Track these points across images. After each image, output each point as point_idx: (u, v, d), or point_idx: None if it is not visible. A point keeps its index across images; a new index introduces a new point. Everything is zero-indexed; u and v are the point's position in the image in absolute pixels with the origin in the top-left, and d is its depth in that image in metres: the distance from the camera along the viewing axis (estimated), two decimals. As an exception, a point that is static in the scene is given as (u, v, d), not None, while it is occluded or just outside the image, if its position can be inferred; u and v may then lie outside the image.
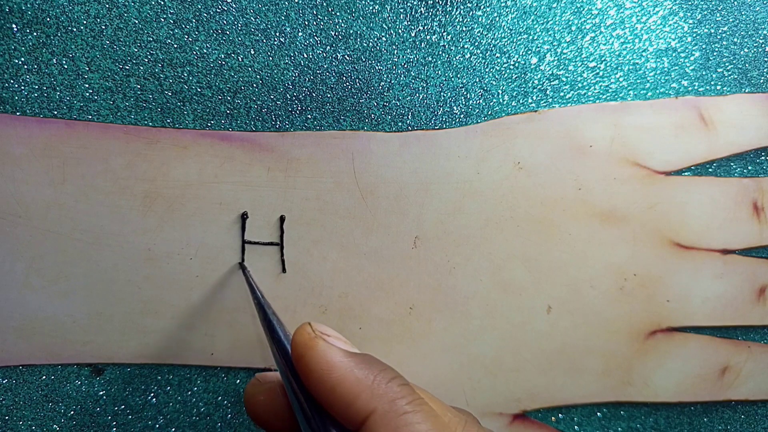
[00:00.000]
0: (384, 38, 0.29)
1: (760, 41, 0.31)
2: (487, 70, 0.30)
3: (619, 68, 0.30)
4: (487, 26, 0.30)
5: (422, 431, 0.19)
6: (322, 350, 0.20)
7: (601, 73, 0.30)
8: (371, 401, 0.19)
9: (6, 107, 0.27)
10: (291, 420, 0.22)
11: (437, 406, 0.21)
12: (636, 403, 0.30)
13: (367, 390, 0.19)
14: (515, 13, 0.30)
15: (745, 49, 0.31)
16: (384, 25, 0.29)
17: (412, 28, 0.29)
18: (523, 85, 0.30)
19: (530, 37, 0.30)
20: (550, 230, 0.29)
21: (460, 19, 0.30)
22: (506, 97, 0.30)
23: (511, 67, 0.30)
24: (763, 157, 0.30)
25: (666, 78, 0.30)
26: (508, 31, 0.30)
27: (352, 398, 0.19)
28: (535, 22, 0.30)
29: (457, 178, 0.29)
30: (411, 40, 0.29)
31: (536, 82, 0.30)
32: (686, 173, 0.30)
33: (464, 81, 0.30)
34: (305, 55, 0.29)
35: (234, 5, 0.29)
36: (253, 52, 0.29)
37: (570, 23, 0.30)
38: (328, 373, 0.20)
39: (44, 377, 0.28)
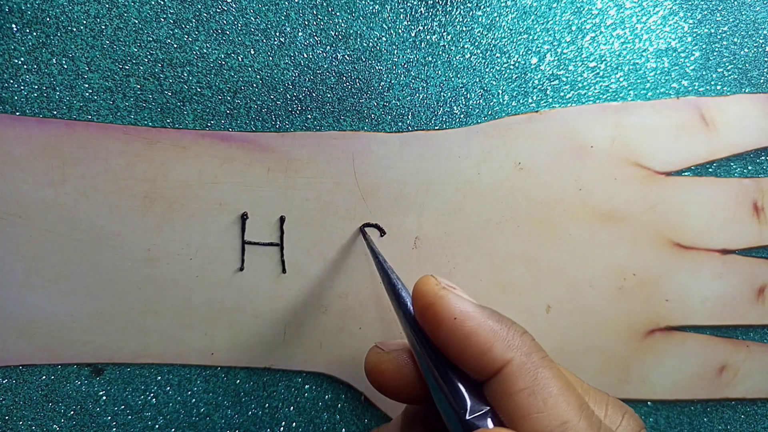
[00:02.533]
0: (384, 38, 0.29)
1: (760, 41, 0.31)
2: (487, 70, 0.30)
3: (619, 68, 0.30)
4: (487, 26, 0.30)
5: (555, 387, 0.18)
6: (453, 299, 0.20)
7: (601, 73, 0.30)
8: (507, 351, 0.19)
9: (6, 107, 0.27)
10: (418, 385, 0.22)
11: (567, 374, 0.21)
12: (636, 403, 0.30)
13: (502, 340, 0.19)
14: (515, 13, 0.30)
15: (745, 49, 0.31)
16: (384, 25, 0.29)
17: (412, 28, 0.29)
18: (523, 85, 0.30)
19: (530, 37, 0.30)
20: (551, 230, 0.29)
21: (460, 19, 0.30)
22: (506, 97, 0.30)
23: (511, 67, 0.30)
24: (763, 157, 0.30)
25: (666, 78, 0.30)
26: (508, 31, 0.30)
27: (488, 347, 0.19)
28: (535, 22, 0.30)
29: (458, 178, 0.29)
30: (411, 40, 0.29)
31: (536, 82, 0.30)
32: (686, 173, 0.30)
33: (464, 81, 0.30)
34: (305, 55, 0.29)
35: (234, 5, 0.28)
36: (253, 52, 0.29)
37: (570, 23, 0.30)
38: (462, 321, 0.19)
39: (44, 377, 0.28)
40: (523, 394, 0.18)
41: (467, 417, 0.19)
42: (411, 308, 0.22)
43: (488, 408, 0.19)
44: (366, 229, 0.29)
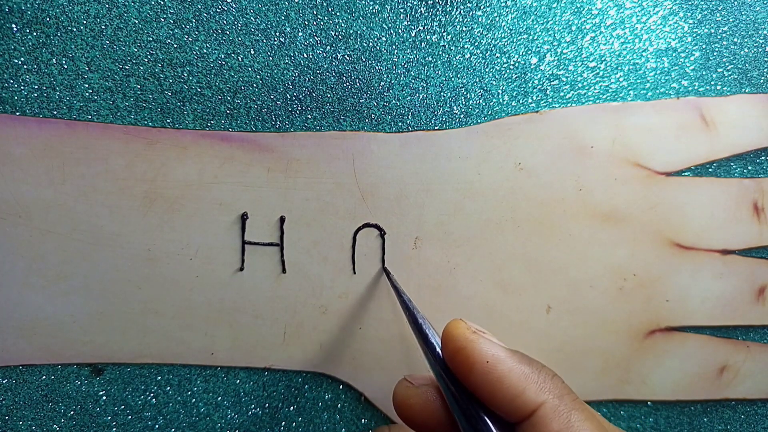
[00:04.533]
0: (384, 38, 0.29)
1: (760, 41, 0.31)
2: (487, 70, 0.30)
3: (619, 68, 0.30)
4: (487, 26, 0.30)
5: (588, 429, 0.19)
6: (485, 344, 0.21)
7: (601, 73, 0.30)
8: (540, 394, 0.19)
9: (6, 107, 0.27)
10: (446, 421, 0.22)
11: (598, 416, 0.21)
12: (636, 403, 0.30)
13: (534, 383, 0.20)
14: (515, 13, 0.30)
15: (745, 49, 0.31)
16: (384, 25, 0.29)
17: (412, 28, 0.29)
18: (523, 85, 0.30)
19: (530, 37, 0.30)
20: (551, 231, 0.29)
21: (460, 19, 0.30)
22: (506, 97, 0.30)
23: (511, 67, 0.30)
24: (763, 158, 0.30)
25: (666, 78, 0.30)
26: (508, 31, 0.30)
27: (520, 390, 0.19)
28: (535, 22, 0.30)
29: (458, 178, 0.29)
30: (411, 40, 0.29)
31: (536, 82, 0.30)
32: (686, 173, 0.30)
33: (464, 81, 0.30)
34: (305, 55, 0.29)
35: (234, 5, 0.28)
36: (253, 52, 0.29)
37: (570, 23, 0.30)
38: (494, 365, 0.20)
39: (44, 377, 0.28)
40: None
41: None
42: (438, 349, 0.22)
43: None
44: (366, 229, 0.29)
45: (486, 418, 0.20)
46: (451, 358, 0.21)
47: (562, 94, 0.30)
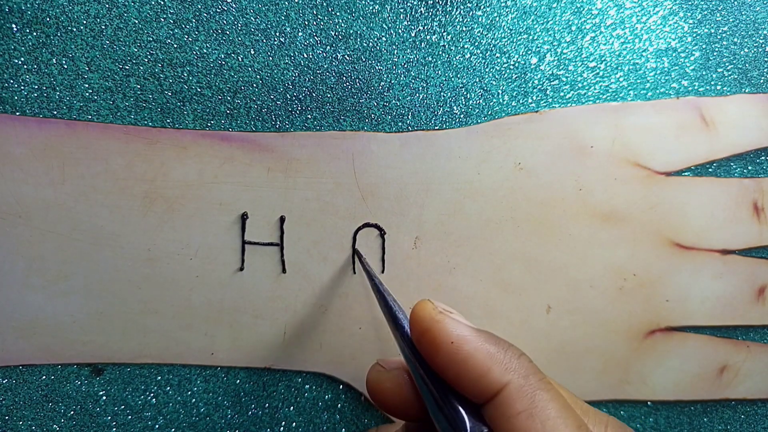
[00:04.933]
0: (384, 38, 0.29)
1: (760, 41, 0.31)
2: (487, 70, 0.30)
3: (619, 68, 0.30)
4: (487, 26, 0.30)
5: (553, 409, 0.19)
6: (450, 324, 0.20)
7: (601, 73, 0.30)
8: (505, 374, 0.19)
9: (6, 107, 0.27)
10: (418, 404, 0.22)
11: (566, 394, 0.21)
12: (636, 403, 0.30)
13: (499, 363, 0.19)
14: (515, 13, 0.30)
15: (745, 49, 0.31)
16: (384, 25, 0.29)
17: (412, 28, 0.29)
18: (523, 85, 0.30)
19: (530, 37, 0.30)
20: (551, 231, 0.29)
21: (460, 19, 0.30)
22: (506, 97, 0.30)
23: (511, 67, 0.30)
24: (763, 158, 0.30)
25: (666, 78, 0.30)
26: (508, 31, 0.30)
27: (485, 370, 0.19)
28: (535, 22, 0.30)
29: (458, 178, 0.29)
30: (411, 40, 0.29)
31: (536, 82, 0.30)
32: (686, 173, 0.30)
33: (464, 81, 0.30)
34: (305, 55, 0.29)
35: (234, 5, 0.28)
36: (253, 52, 0.29)
37: (570, 23, 0.30)
38: (459, 345, 0.20)
39: (44, 377, 0.28)
40: (521, 416, 0.18)
41: None
42: (408, 332, 0.22)
43: (486, 429, 0.19)
44: (366, 229, 0.29)
45: (453, 400, 0.20)
46: (418, 339, 0.21)
47: (562, 94, 0.30)
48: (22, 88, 0.28)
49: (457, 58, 0.30)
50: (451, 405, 0.20)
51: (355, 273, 0.29)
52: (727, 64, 0.30)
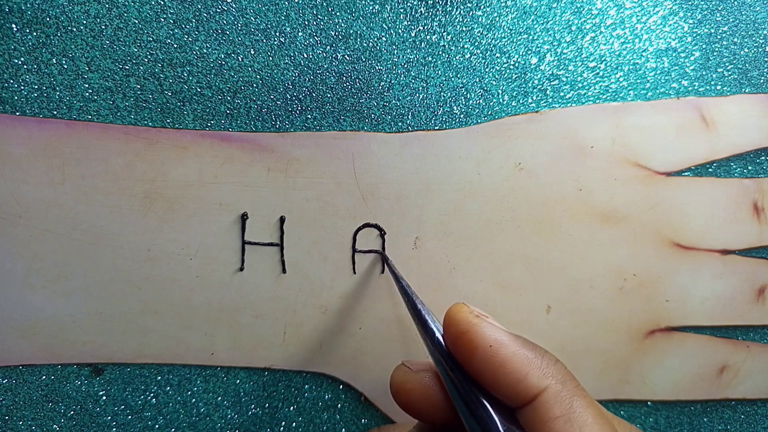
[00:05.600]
0: (384, 38, 0.29)
1: (760, 41, 0.31)
2: (487, 70, 0.30)
3: (619, 68, 0.30)
4: (487, 26, 0.30)
5: (590, 415, 0.19)
6: (488, 328, 0.21)
7: (601, 73, 0.30)
8: (543, 379, 0.19)
9: (6, 107, 0.27)
10: (445, 407, 0.22)
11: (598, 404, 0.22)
12: (636, 403, 0.30)
13: (537, 368, 0.20)
14: (515, 13, 0.30)
15: (745, 49, 0.31)
16: (384, 25, 0.29)
17: (412, 28, 0.29)
18: (523, 85, 0.30)
19: (530, 37, 0.30)
20: (551, 231, 0.29)
21: (460, 19, 0.30)
22: (506, 97, 0.30)
23: (511, 67, 0.30)
24: (763, 158, 0.30)
25: (666, 78, 0.30)
26: (508, 31, 0.30)
27: (523, 375, 0.19)
28: (535, 22, 0.30)
29: (458, 178, 0.29)
30: (411, 40, 0.29)
31: (536, 82, 0.30)
32: (686, 173, 0.30)
33: (464, 81, 0.30)
34: (305, 55, 0.29)
35: (234, 5, 0.28)
36: (253, 52, 0.29)
37: (570, 23, 0.30)
38: (497, 349, 0.20)
39: (44, 377, 0.28)
40: (559, 421, 0.19)
41: None
42: (438, 334, 0.22)
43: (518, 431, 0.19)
44: (366, 229, 0.29)
45: (486, 403, 0.20)
46: (454, 342, 0.21)
47: (562, 94, 0.30)
48: (22, 88, 0.28)
49: (457, 58, 0.30)
50: (482, 407, 0.20)
51: (355, 273, 0.29)
52: (727, 64, 0.30)
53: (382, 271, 0.29)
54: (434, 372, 0.23)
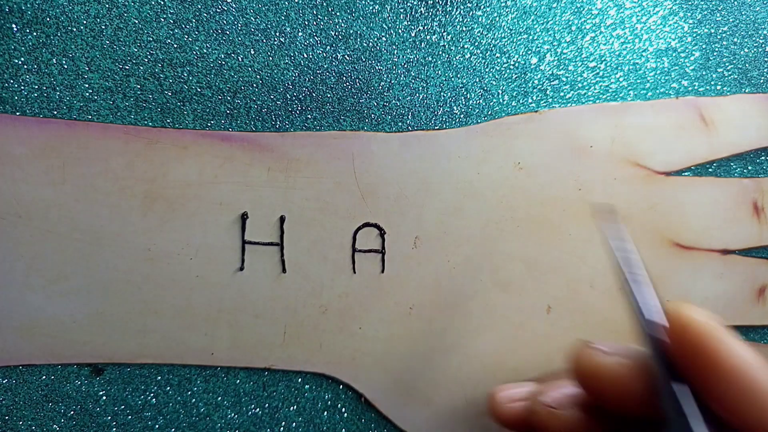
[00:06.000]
0: (384, 38, 0.29)
1: (760, 41, 0.31)
2: (487, 70, 0.30)
3: (619, 68, 0.30)
4: (487, 26, 0.30)
5: None
6: (735, 346, 0.17)
7: (601, 73, 0.30)
8: None
9: (6, 107, 0.27)
10: (641, 400, 0.19)
11: None
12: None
13: None
14: (515, 13, 0.30)
15: (745, 49, 0.31)
16: (384, 25, 0.29)
17: (412, 28, 0.29)
18: (523, 85, 0.30)
19: (530, 37, 0.30)
20: (550, 230, 0.29)
21: (460, 19, 0.30)
22: (506, 97, 0.30)
23: (511, 67, 0.30)
24: (763, 157, 0.30)
25: (666, 78, 0.30)
26: (508, 31, 0.30)
27: None
28: (535, 22, 0.30)
29: (458, 178, 0.29)
30: (411, 40, 0.29)
31: (536, 82, 0.30)
32: (686, 173, 0.30)
33: (464, 81, 0.30)
34: (305, 55, 0.29)
35: (234, 5, 0.28)
36: (253, 52, 0.29)
37: (570, 23, 0.30)
38: (747, 373, 0.17)
39: (44, 377, 0.28)
40: None
41: None
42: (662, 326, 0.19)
43: None
44: (366, 229, 0.29)
45: (701, 416, 0.17)
46: (692, 355, 0.18)
47: (562, 94, 0.30)
48: (22, 88, 0.28)
49: (457, 58, 0.30)
50: (695, 420, 0.17)
51: (355, 273, 0.29)
52: (727, 64, 0.30)
53: (382, 271, 0.29)
54: (631, 359, 0.20)
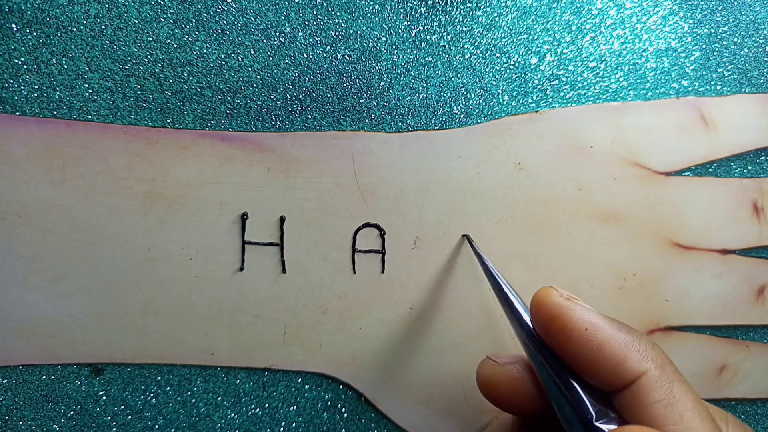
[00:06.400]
0: (384, 38, 0.29)
1: (760, 41, 0.31)
2: (487, 70, 0.30)
3: (619, 68, 0.30)
4: (487, 26, 0.30)
5: (690, 401, 0.18)
6: (582, 311, 0.20)
7: (601, 73, 0.30)
8: (642, 363, 0.19)
9: (6, 107, 0.27)
10: (536, 397, 0.22)
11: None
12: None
13: (636, 352, 0.19)
14: (515, 13, 0.30)
15: (745, 49, 0.31)
16: (384, 25, 0.29)
17: (412, 28, 0.29)
18: (523, 85, 0.30)
19: (530, 37, 0.30)
20: (550, 230, 0.29)
21: (460, 19, 0.30)
22: (506, 97, 0.30)
23: (511, 67, 0.30)
24: (763, 157, 0.30)
25: (666, 78, 0.30)
26: (508, 31, 0.30)
27: (622, 358, 0.19)
28: (535, 22, 0.30)
29: (458, 178, 0.29)
30: (411, 40, 0.29)
31: (536, 82, 0.30)
32: (686, 173, 0.30)
33: (464, 81, 0.30)
34: (305, 55, 0.29)
35: (234, 5, 0.28)
36: (253, 52, 0.29)
37: (570, 23, 0.30)
38: (594, 333, 0.19)
39: (44, 377, 0.28)
40: (659, 405, 0.18)
41: (596, 423, 0.19)
42: (527, 318, 0.22)
43: (615, 416, 0.19)
44: (366, 229, 0.29)
45: (577, 387, 0.20)
46: (545, 326, 0.20)
47: (562, 94, 0.30)
48: (22, 88, 0.27)
49: (457, 58, 0.30)
50: (575, 392, 0.20)
51: (355, 273, 0.29)
52: (727, 64, 0.30)
53: (382, 271, 0.29)
54: (521, 363, 0.22)
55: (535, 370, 0.22)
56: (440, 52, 0.29)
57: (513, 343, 0.29)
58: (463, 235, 0.29)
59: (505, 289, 0.24)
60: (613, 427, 0.19)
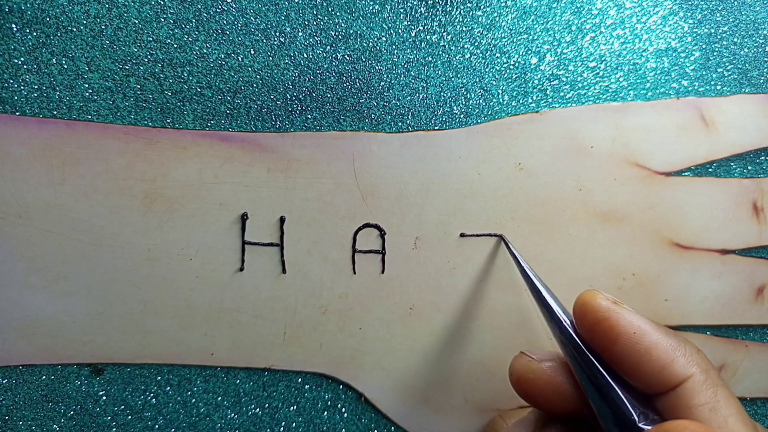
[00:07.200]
0: (384, 38, 0.29)
1: (760, 41, 0.31)
2: (487, 70, 0.30)
3: (619, 68, 0.30)
4: (487, 26, 0.30)
5: (733, 406, 0.19)
6: (629, 315, 0.21)
7: (601, 73, 0.30)
8: (688, 367, 0.19)
9: (6, 107, 0.27)
10: (571, 396, 0.22)
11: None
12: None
13: (682, 356, 0.20)
14: (515, 13, 0.30)
15: (745, 49, 0.31)
16: (384, 25, 0.29)
17: (412, 28, 0.29)
18: (523, 85, 0.30)
19: (530, 37, 0.30)
20: (550, 231, 0.29)
21: (460, 19, 0.30)
22: (506, 97, 0.30)
23: (511, 67, 0.30)
24: (763, 158, 0.30)
25: (666, 78, 0.30)
26: (508, 31, 0.30)
27: (668, 362, 0.19)
28: (535, 22, 0.30)
29: (458, 178, 0.29)
30: (411, 40, 0.29)
31: (536, 82, 0.30)
32: (686, 173, 0.30)
33: (464, 81, 0.30)
34: (305, 55, 0.29)
35: (234, 5, 0.28)
36: (253, 52, 0.29)
37: (570, 23, 0.30)
38: (641, 336, 0.20)
39: (44, 377, 0.28)
40: (704, 408, 0.19)
41: (639, 425, 0.19)
42: (565, 319, 0.22)
43: (657, 417, 0.19)
44: (366, 229, 0.29)
45: (619, 389, 0.20)
46: (591, 328, 0.21)
47: (562, 94, 0.30)
48: (22, 88, 0.27)
49: (457, 58, 0.30)
50: (616, 393, 0.20)
51: (355, 273, 0.29)
52: (727, 64, 0.30)
53: (382, 271, 0.29)
54: (558, 361, 0.23)
55: (573, 369, 0.22)
56: (440, 52, 0.29)
57: (513, 343, 0.29)
58: (498, 235, 0.29)
59: (544, 292, 0.24)
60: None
